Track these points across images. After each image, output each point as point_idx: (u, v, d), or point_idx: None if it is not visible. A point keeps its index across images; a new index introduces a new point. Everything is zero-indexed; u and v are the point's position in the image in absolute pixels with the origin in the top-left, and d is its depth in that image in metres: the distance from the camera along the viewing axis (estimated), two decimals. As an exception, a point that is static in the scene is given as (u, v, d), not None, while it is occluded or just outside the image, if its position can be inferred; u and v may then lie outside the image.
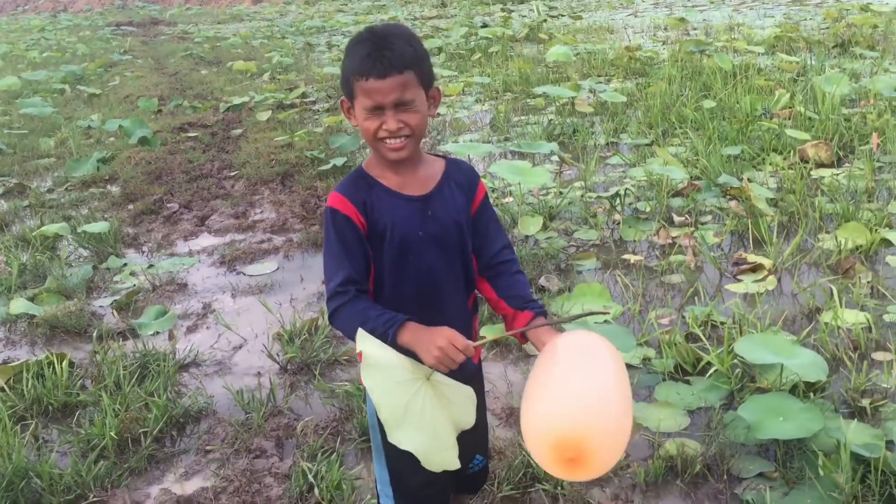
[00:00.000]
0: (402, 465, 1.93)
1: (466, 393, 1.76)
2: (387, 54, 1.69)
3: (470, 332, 1.94)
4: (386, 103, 1.71)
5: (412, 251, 1.80)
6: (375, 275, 1.82)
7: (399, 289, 1.82)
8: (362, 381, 1.63)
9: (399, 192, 1.81)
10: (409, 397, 1.63)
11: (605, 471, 1.57)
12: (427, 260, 1.82)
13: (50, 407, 3.27)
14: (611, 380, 1.58)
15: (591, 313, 1.85)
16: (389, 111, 1.72)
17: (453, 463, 1.68)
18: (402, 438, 1.61)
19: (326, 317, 1.80)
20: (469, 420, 1.77)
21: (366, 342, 1.63)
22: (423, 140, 1.90)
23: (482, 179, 1.96)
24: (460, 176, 1.90)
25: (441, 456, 1.67)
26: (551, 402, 1.55)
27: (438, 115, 8.07)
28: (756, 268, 3.99)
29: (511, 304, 1.87)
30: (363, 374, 1.62)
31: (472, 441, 2.03)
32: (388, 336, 1.68)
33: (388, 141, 1.74)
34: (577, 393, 1.54)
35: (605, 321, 3.50)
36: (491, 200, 2.01)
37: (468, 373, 1.84)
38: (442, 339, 1.63)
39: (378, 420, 1.89)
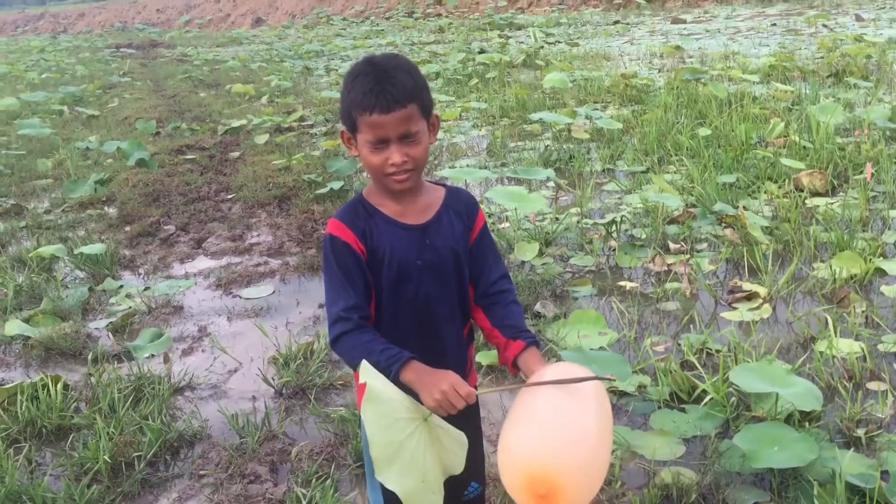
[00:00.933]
0: (397, 499, 1.93)
1: (459, 439, 1.75)
2: (390, 89, 1.70)
3: (465, 361, 1.95)
4: (391, 137, 1.72)
5: (410, 279, 1.81)
6: (376, 304, 1.83)
7: (396, 316, 1.83)
8: (361, 410, 1.63)
9: (398, 221, 1.82)
10: (404, 437, 1.63)
11: None
12: (424, 288, 1.83)
13: (44, 430, 3.26)
14: (590, 417, 1.59)
15: (595, 378, 1.74)
16: (394, 144, 1.73)
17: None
18: (389, 478, 1.61)
19: (326, 341, 1.82)
20: (458, 466, 1.77)
21: (369, 375, 1.63)
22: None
23: (481, 208, 1.97)
24: (459, 205, 1.91)
25: (426, 499, 1.67)
26: (527, 436, 1.56)
27: (437, 139, 8.10)
28: (751, 296, 4.01)
29: (504, 334, 1.86)
30: (363, 407, 1.63)
31: (469, 468, 2.02)
32: (391, 372, 1.68)
33: (394, 175, 1.76)
34: (553, 429, 1.55)
35: (601, 347, 3.51)
36: (489, 225, 2.02)
37: (468, 409, 1.85)
38: (445, 384, 1.63)
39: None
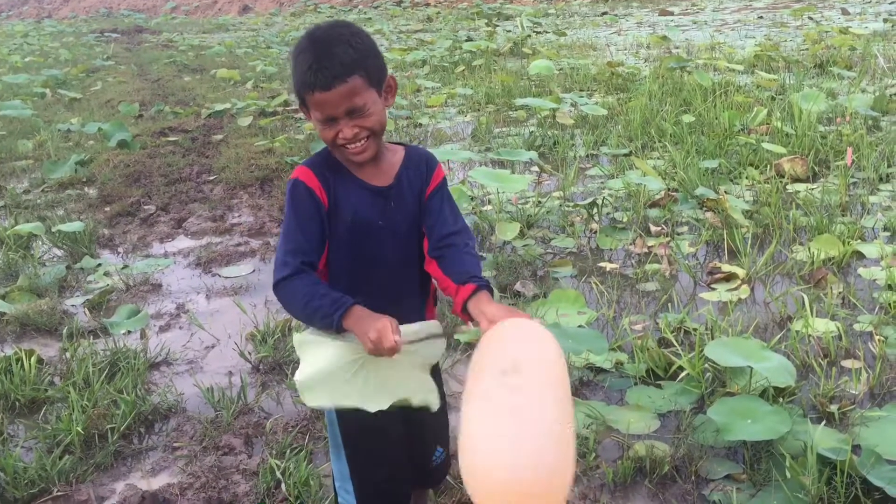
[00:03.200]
0: (362, 457, 1.92)
1: (430, 329, 1.77)
2: (327, 64, 1.64)
3: (423, 317, 1.93)
4: (337, 114, 1.69)
5: (372, 238, 1.80)
6: (333, 256, 1.81)
7: (355, 273, 1.81)
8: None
9: (363, 181, 1.81)
10: (362, 377, 1.68)
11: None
12: (386, 247, 1.82)
13: (17, 403, 3.23)
14: (546, 409, 1.42)
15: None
16: (343, 120, 1.70)
17: (387, 403, 1.71)
18: (380, 403, 1.69)
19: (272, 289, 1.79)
20: (437, 355, 1.80)
21: (304, 352, 1.72)
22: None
23: (441, 164, 1.93)
24: (420, 163, 1.88)
25: (376, 399, 1.71)
26: (486, 456, 1.40)
27: (420, 125, 8.09)
28: (730, 277, 4.02)
29: (454, 280, 1.75)
30: (304, 398, 1.69)
31: (434, 433, 2.02)
32: (333, 319, 1.66)
33: (348, 147, 1.73)
34: (513, 444, 1.38)
35: (579, 326, 3.52)
36: (470, 208, 1.99)
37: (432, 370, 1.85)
38: (373, 332, 1.60)
39: (336, 414, 1.89)
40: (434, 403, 1.81)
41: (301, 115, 9.09)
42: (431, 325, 1.81)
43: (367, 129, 1.72)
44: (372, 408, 1.70)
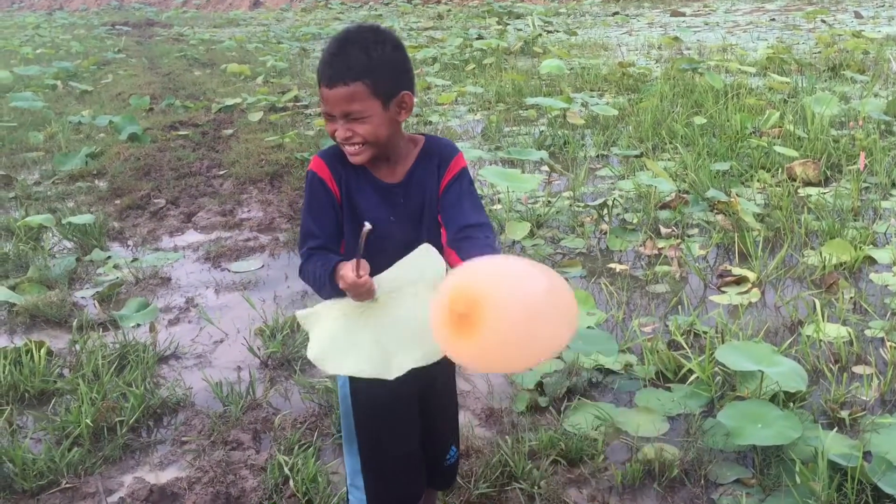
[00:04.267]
0: (376, 451, 1.92)
1: (428, 263, 1.74)
2: (336, 64, 1.67)
3: None
4: (333, 112, 1.72)
5: (381, 233, 1.79)
6: (347, 248, 1.82)
7: (371, 265, 1.81)
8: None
9: (374, 177, 1.82)
10: (338, 328, 1.71)
11: (496, 360, 1.39)
12: (396, 243, 1.81)
13: (26, 394, 3.23)
14: (536, 277, 1.41)
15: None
16: (339, 119, 1.72)
17: (414, 361, 1.70)
18: (399, 367, 1.68)
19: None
20: (439, 273, 1.71)
21: (310, 325, 1.76)
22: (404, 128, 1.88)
23: (461, 155, 1.90)
24: (434, 156, 1.86)
25: (397, 360, 1.70)
26: (463, 269, 1.46)
27: (430, 122, 8.09)
28: (740, 280, 4.00)
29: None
30: (325, 369, 1.72)
31: (449, 425, 2.02)
32: (328, 283, 1.71)
33: (345, 146, 1.76)
34: (494, 267, 1.44)
35: (588, 327, 3.51)
36: (477, 194, 1.96)
37: (443, 360, 1.83)
38: (341, 282, 1.66)
39: (351, 402, 1.89)
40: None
41: (313, 110, 9.11)
42: (416, 255, 1.74)
43: (360, 136, 1.72)
44: (392, 374, 1.69)
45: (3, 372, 3.29)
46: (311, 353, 1.72)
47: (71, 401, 3.15)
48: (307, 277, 1.79)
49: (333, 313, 1.73)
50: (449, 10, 24.98)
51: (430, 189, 1.85)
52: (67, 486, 2.67)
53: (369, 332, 1.70)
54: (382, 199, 1.81)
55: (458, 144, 6.90)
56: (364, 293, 1.65)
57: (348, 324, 1.71)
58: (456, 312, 1.34)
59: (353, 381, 1.85)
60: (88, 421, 2.92)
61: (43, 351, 3.42)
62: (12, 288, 4.27)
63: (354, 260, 1.65)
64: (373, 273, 1.73)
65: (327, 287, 1.71)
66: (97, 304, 4.13)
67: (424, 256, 1.73)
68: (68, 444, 2.84)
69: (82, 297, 4.27)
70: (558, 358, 3.32)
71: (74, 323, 3.83)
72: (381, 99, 1.71)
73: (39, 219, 5.23)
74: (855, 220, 4.69)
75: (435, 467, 2.05)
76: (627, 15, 20.11)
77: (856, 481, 2.36)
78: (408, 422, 1.76)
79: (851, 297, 3.74)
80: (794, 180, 5.32)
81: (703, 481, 2.55)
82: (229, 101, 9.54)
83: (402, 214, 1.82)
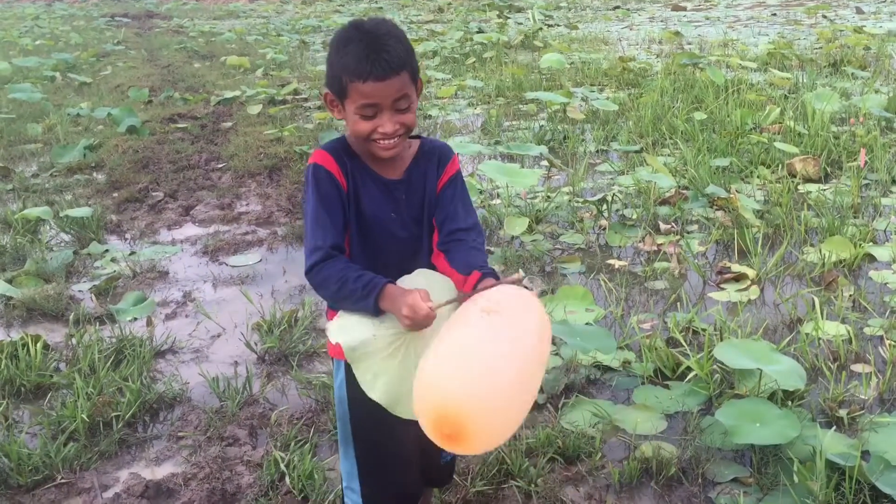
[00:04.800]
0: (372, 454, 1.90)
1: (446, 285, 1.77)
2: (385, 56, 1.67)
3: None
4: (384, 104, 1.70)
5: (382, 230, 1.80)
6: (349, 241, 1.81)
7: (369, 261, 1.80)
8: (333, 352, 1.68)
9: (375, 172, 1.81)
10: (398, 365, 1.68)
11: (491, 446, 1.55)
12: (396, 239, 1.82)
13: (22, 388, 3.22)
14: (512, 351, 1.49)
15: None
16: (387, 112, 1.70)
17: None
18: (376, 396, 1.68)
19: (311, 309, 1.81)
20: (450, 288, 1.77)
21: (347, 340, 1.69)
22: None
23: (456, 157, 1.92)
24: (432, 154, 1.88)
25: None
26: (438, 369, 1.49)
27: (430, 116, 8.07)
28: (739, 277, 3.99)
29: (460, 272, 1.77)
30: (334, 333, 1.68)
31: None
32: (369, 302, 1.67)
33: (381, 142, 1.73)
34: (468, 365, 1.46)
35: (587, 323, 3.50)
36: (479, 202, 1.97)
37: None
38: (406, 309, 1.61)
39: (347, 403, 1.87)
40: None
41: (312, 104, 9.08)
42: (445, 282, 1.78)
43: (406, 125, 1.73)
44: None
45: (0, 366, 3.27)
46: (377, 396, 1.68)
47: (67, 395, 3.13)
48: (327, 282, 1.72)
49: (382, 345, 1.67)
50: (449, 4, 24.91)
51: (430, 185, 1.86)
52: (63, 481, 2.66)
53: (413, 364, 1.66)
54: (384, 194, 1.80)
55: (458, 139, 6.92)
56: (424, 322, 1.62)
57: (406, 360, 1.67)
58: (443, 434, 1.46)
59: (350, 383, 1.83)
60: (84, 416, 2.91)
61: (39, 345, 3.41)
62: (9, 281, 4.26)
63: (421, 290, 1.63)
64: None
65: (367, 305, 1.67)
66: (94, 298, 4.12)
67: (430, 278, 1.75)
68: (64, 438, 2.83)
69: (79, 291, 4.26)
70: (556, 355, 3.32)
71: (71, 317, 3.82)
72: (416, 86, 1.75)
73: (37, 211, 5.21)
74: (855, 218, 4.68)
75: (431, 466, 2.04)
76: (628, 9, 20.06)
77: (854, 481, 2.35)
78: (404, 424, 1.75)
79: (851, 295, 3.73)
80: (795, 177, 5.30)
81: (700, 480, 2.54)
82: (228, 94, 9.52)
83: (402, 211, 1.82)
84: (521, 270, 4.44)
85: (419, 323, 1.61)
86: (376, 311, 1.67)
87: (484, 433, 1.47)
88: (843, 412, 2.82)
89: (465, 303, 1.62)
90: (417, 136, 1.90)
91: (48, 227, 5.21)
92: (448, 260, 1.81)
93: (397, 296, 1.65)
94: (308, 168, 1.79)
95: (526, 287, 1.68)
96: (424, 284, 1.69)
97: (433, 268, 1.87)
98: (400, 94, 1.70)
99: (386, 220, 1.80)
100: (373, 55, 1.67)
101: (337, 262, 1.73)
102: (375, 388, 1.69)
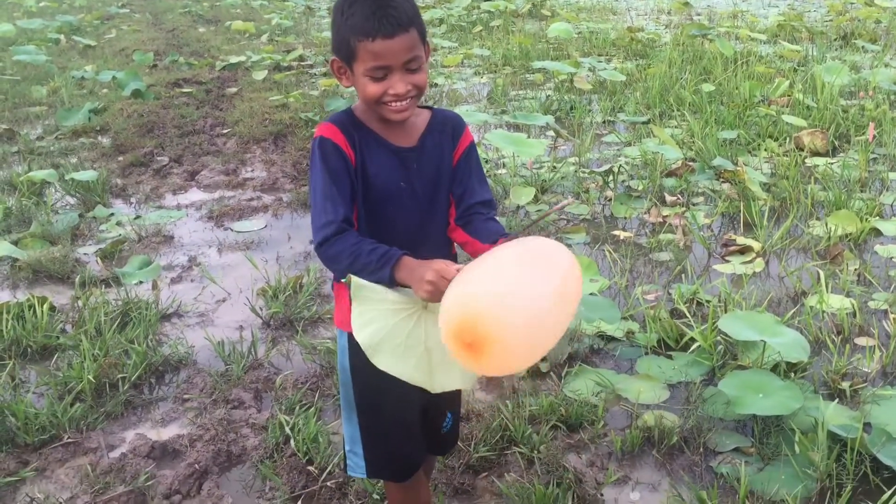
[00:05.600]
0: (374, 420, 1.90)
1: None
2: (392, 12, 1.63)
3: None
4: (395, 63, 1.65)
5: (392, 201, 1.76)
6: (357, 213, 1.79)
7: (376, 236, 1.78)
8: (338, 321, 1.63)
9: (386, 141, 1.77)
10: (393, 323, 1.64)
11: (509, 368, 1.52)
12: (406, 210, 1.78)
13: (29, 349, 3.24)
14: (539, 278, 1.48)
15: (553, 210, 1.77)
16: (398, 72, 1.66)
17: (455, 383, 1.71)
18: (381, 362, 1.64)
19: (316, 275, 1.77)
20: None
21: (359, 280, 1.64)
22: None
23: (468, 128, 1.90)
24: (446, 125, 1.84)
25: (440, 377, 1.68)
26: (467, 285, 1.49)
27: (436, 85, 8.01)
28: (745, 250, 3.99)
29: (481, 240, 1.76)
30: (372, 360, 1.64)
31: (447, 398, 2.01)
32: (385, 273, 1.63)
33: (392, 104, 1.70)
34: (497, 281, 1.46)
35: (591, 294, 3.50)
36: (485, 171, 1.94)
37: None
38: (431, 273, 1.57)
39: (350, 372, 1.87)
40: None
41: (318, 70, 9.02)
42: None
43: (417, 86, 1.70)
44: (435, 389, 1.69)
45: (6, 327, 3.30)
46: (363, 337, 1.64)
47: (73, 356, 3.16)
48: (340, 256, 1.68)
49: (391, 300, 1.65)
50: (457, -29, 24.62)
51: (445, 157, 1.83)
52: (69, 440, 2.68)
53: (423, 338, 1.65)
54: (396, 163, 1.77)
55: (464, 107, 6.88)
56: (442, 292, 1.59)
57: (407, 321, 1.65)
58: (464, 342, 1.43)
59: (353, 353, 1.82)
60: (90, 377, 2.93)
61: (45, 306, 3.43)
62: (15, 243, 4.27)
63: (442, 261, 1.60)
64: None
65: (383, 276, 1.64)
66: (100, 261, 4.13)
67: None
68: (70, 399, 2.85)
69: (85, 254, 4.27)
70: (560, 324, 3.32)
71: (77, 279, 3.83)
72: (424, 45, 1.72)
73: (42, 174, 5.21)
74: (862, 192, 4.66)
75: (433, 435, 2.05)
76: (637, -21, 19.80)
77: (855, 452, 2.37)
78: (406, 391, 1.75)
79: (856, 269, 3.73)
80: (802, 150, 5.27)
81: (702, 449, 2.56)
82: (233, 59, 9.45)
83: (414, 181, 1.78)
84: (569, 196, 4.57)
85: (438, 292, 1.56)
86: (391, 283, 1.64)
87: (503, 349, 1.43)
88: (845, 385, 2.83)
89: (497, 245, 1.61)
90: (428, 107, 1.88)
91: (53, 190, 5.21)
92: (468, 232, 1.81)
93: (415, 267, 1.62)
94: (314, 141, 1.75)
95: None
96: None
97: (444, 243, 1.87)
98: (410, 53, 1.66)
99: (395, 190, 1.76)
100: (379, 11, 1.63)
101: (349, 235, 1.69)
102: (380, 354, 1.68)
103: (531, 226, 1.69)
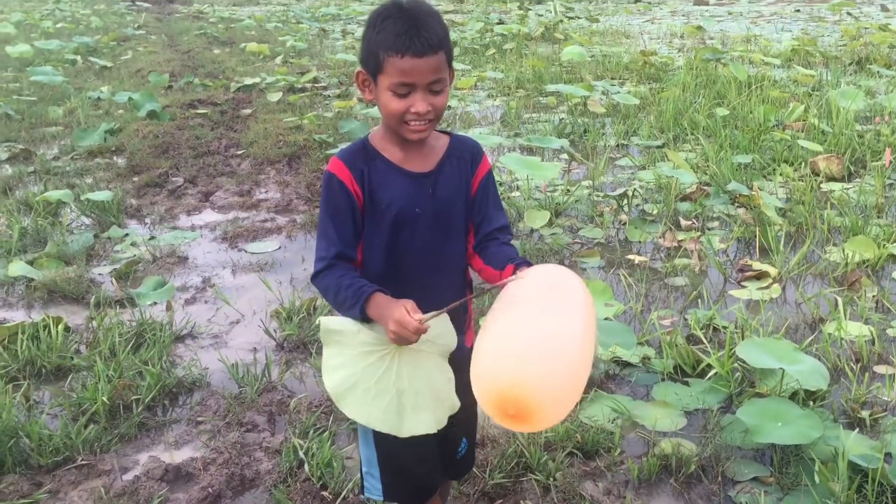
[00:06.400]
0: (391, 443, 1.89)
1: (445, 330, 1.74)
2: (424, 33, 1.66)
3: (464, 315, 1.90)
4: (420, 83, 1.67)
5: (407, 227, 1.77)
6: (368, 247, 1.79)
7: (392, 263, 1.79)
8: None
9: (400, 167, 1.78)
10: (361, 368, 1.64)
11: (554, 423, 1.53)
12: (421, 237, 1.78)
13: (43, 369, 3.24)
14: (567, 328, 1.49)
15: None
16: (420, 92, 1.68)
17: (425, 427, 1.69)
18: (348, 409, 1.64)
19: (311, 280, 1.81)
20: (451, 346, 1.75)
21: (329, 323, 1.67)
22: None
23: (486, 156, 1.91)
24: (464, 151, 1.86)
25: (410, 421, 1.67)
26: (498, 350, 1.48)
27: (449, 107, 8.05)
28: (761, 275, 3.96)
29: (495, 266, 1.78)
30: (341, 407, 1.64)
31: (463, 425, 1.99)
32: (356, 311, 1.66)
33: (413, 123, 1.72)
34: (527, 342, 1.46)
35: (606, 318, 3.48)
36: (499, 194, 1.96)
37: (463, 355, 1.80)
38: (392, 324, 1.59)
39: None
40: (455, 401, 1.78)
41: (332, 92, 9.07)
42: (443, 317, 1.75)
43: (437, 108, 1.72)
44: (403, 433, 1.69)
45: (21, 347, 3.30)
46: (330, 383, 1.64)
47: (87, 377, 3.15)
48: (327, 291, 1.74)
49: (360, 341, 1.65)
50: (469, -6, 24.82)
51: (463, 183, 1.84)
52: (83, 462, 2.67)
53: (394, 380, 1.65)
54: (410, 188, 1.77)
55: (477, 130, 6.90)
56: (411, 334, 1.60)
57: (377, 366, 1.65)
58: (508, 414, 1.43)
59: None
60: (105, 398, 2.92)
61: (60, 327, 3.43)
62: (31, 263, 4.29)
63: (408, 301, 1.61)
64: (398, 279, 1.75)
65: (355, 314, 1.67)
66: (114, 282, 4.13)
67: (443, 324, 1.73)
68: (84, 420, 2.85)
69: (99, 274, 4.28)
70: (575, 349, 3.30)
71: (92, 299, 3.84)
72: (450, 69, 1.75)
73: (58, 194, 5.24)
74: (878, 217, 4.64)
75: (448, 459, 2.04)
76: (650, 3, 19.93)
77: (876, 483, 2.33)
78: None
79: (874, 296, 3.70)
80: (818, 175, 5.25)
81: (720, 478, 2.52)
82: (248, 81, 9.53)
83: (430, 206, 1.78)
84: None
85: (405, 338, 1.59)
86: (365, 319, 1.67)
87: (549, 410, 1.45)
88: (865, 413, 2.79)
89: (510, 284, 1.62)
90: (447, 132, 1.89)
91: (69, 210, 5.24)
92: (483, 258, 1.84)
93: (384, 304, 1.64)
94: (324, 176, 1.80)
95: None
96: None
97: (461, 269, 1.88)
98: (436, 75, 1.68)
99: (411, 216, 1.77)
100: (412, 31, 1.65)
101: (336, 269, 1.74)
102: (346, 400, 1.64)
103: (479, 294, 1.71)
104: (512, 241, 1.89)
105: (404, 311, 1.60)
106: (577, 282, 1.62)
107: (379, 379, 1.64)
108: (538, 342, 1.46)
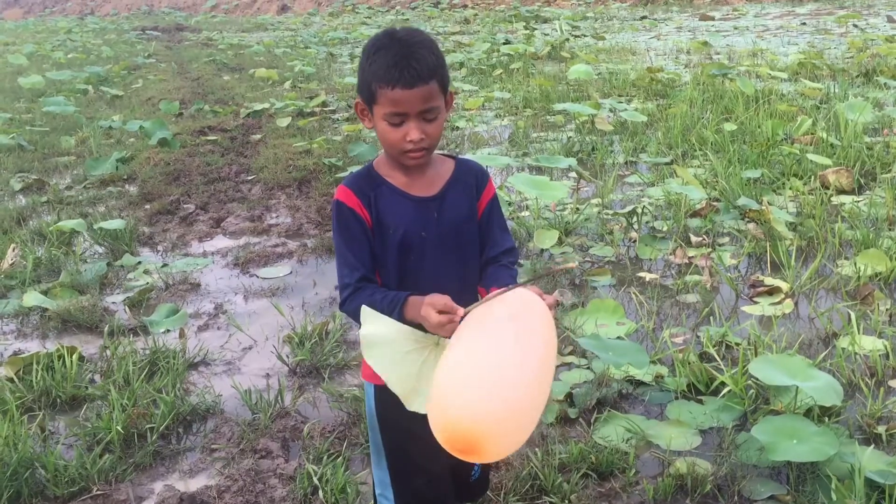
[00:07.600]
0: (403, 464, 1.91)
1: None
2: (414, 64, 1.69)
3: None
4: (411, 112, 1.71)
5: (413, 251, 1.80)
6: (382, 267, 1.82)
7: (406, 287, 1.81)
8: (366, 375, 1.64)
9: (405, 192, 1.81)
10: (419, 365, 1.66)
11: (507, 454, 1.56)
12: (428, 260, 1.81)
13: (58, 399, 3.26)
14: (521, 359, 1.52)
15: (557, 271, 1.82)
16: (414, 120, 1.71)
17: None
18: (420, 409, 1.65)
19: (342, 321, 1.84)
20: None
21: (369, 321, 1.67)
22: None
23: (491, 179, 1.94)
24: (469, 176, 1.89)
25: (418, 402, 1.68)
26: (448, 382, 1.51)
27: (457, 128, 8.09)
28: (773, 291, 3.95)
29: (486, 289, 1.83)
30: (365, 354, 1.66)
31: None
32: (395, 316, 1.71)
33: (410, 151, 1.74)
34: (475, 375, 1.49)
35: (618, 337, 3.47)
36: (507, 214, 1.99)
37: None
38: (426, 309, 1.65)
39: (377, 420, 1.88)
40: None
41: (340, 115, 9.14)
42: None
43: (430, 136, 1.74)
44: (411, 406, 1.69)
45: (36, 377, 3.32)
46: (365, 331, 1.66)
47: (102, 407, 3.17)
48: (358, 312, 1.73)
49: (404, 339, 1.68)
50: (475, 15, 25.00)
51: (469, 207, 1.87)
52: (98, 492, 2.69)
53: (421, 363, 1.68)
54: (415, 213, 1.80)
55: (485, 150, 6.93)
56: (451, 314, 1.64)
57: (412, 346, 1.68)
58: (457, 449, 1.47)
59: (380, 397, 1.84)
60: (119, 427, 2.94)
61: (75, 356, 3.45)
62: (45, 293, 4.32)
63: (438, 297, 1.66)
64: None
65: (398, 321, 1.72)
66: (128, 310, 4.16)
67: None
68: (99, 450, 2.86)
69: (113, 303, 4.31)
70: (588, 369, 3.30)
71: (105, 328, 3.86)
72: (444, 97, 1.77)
73: (71, 223, 5.28)
74: (890, 230, 4.61)
75: (461, 483, 2.04)
76: (655, 19, 20.00)
77: (894, 499, 2.31)
78: (434, 440, 1.76)
79: (887, 309, 3.68)
80: (828, 188, 5.24)
81: (736, 497, 2.51)
82: (258, 106, 9.61)
83: (435, 230, 1.81)
84: (575, 261, 4.44)
85: (439, 321, 1.63)
86: (405, 323, 1.71)
87: (498, 445, 1.49)
88: (881, 429, 2.77)
89: (474, 310, 1.65)
90: (452, 156, 1.91)
91: (82, 239, 5.28)
92: (480, 280, 1.90)
93: (418, 305, 1.69)
94: (333, 204, 1.83)
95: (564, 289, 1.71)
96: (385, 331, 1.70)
97: (473, 292, 1.90)
98: (427, 104, 1.71)
99: (417, 240, 1.80)
100: (402, 62, 1.68)
101: (363, 291, 1.78)
102: (372, 350, 1.69)
103: (530, 281, 1.71)
104: (513, 262, 1.92)
105: (430, 308, 1.65)
106: (541, 309, 1.65)
107: (409, 353, 1.67)
108: (488, 375, 1.48)
